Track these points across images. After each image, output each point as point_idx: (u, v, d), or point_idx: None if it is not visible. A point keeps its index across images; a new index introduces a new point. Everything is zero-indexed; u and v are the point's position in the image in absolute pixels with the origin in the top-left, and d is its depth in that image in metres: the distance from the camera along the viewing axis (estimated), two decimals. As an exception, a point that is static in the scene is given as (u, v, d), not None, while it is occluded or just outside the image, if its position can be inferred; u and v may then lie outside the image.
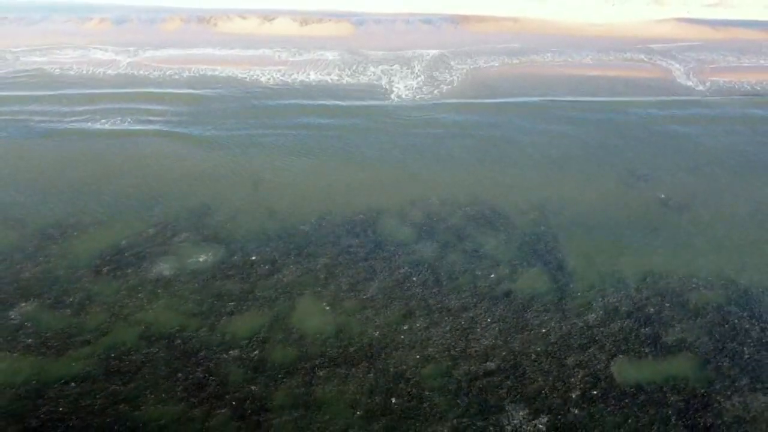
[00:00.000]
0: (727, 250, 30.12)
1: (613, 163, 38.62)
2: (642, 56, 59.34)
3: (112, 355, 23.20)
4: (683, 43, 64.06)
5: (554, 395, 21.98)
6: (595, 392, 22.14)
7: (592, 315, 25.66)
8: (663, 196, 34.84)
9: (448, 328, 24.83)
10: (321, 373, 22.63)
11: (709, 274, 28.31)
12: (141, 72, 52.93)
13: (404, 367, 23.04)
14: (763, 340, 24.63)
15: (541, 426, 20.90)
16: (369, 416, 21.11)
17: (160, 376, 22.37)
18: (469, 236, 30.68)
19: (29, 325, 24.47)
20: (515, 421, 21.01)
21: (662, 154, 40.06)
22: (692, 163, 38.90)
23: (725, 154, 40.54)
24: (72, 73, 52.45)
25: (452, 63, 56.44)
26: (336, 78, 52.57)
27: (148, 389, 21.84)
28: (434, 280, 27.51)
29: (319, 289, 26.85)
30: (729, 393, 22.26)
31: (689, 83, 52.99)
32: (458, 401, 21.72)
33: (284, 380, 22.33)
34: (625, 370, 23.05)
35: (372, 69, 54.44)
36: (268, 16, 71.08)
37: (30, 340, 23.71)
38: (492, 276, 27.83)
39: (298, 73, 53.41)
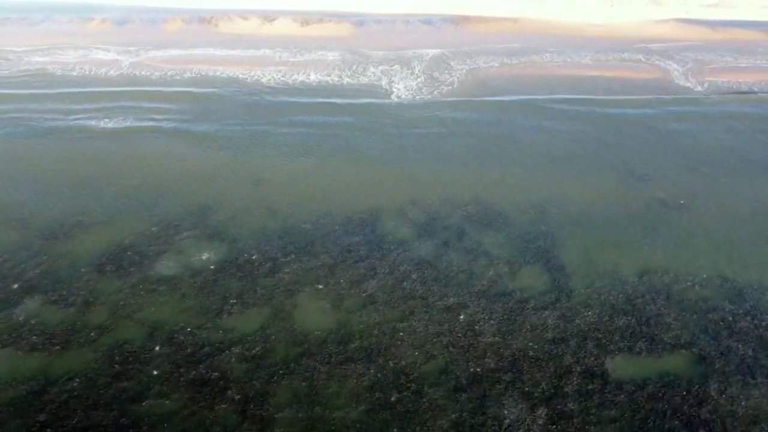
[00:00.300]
0: (725, 248, 30.43)
1: (612, 162, 38.91)
2: (640, 56, 59.63)
3: (116, 351, 23.54)
4: (682, 43, 64.37)
5: (551, 390, 22.31)
6: (591, 387, 22.47)
7: (590, 312, 25.98)
8: (661, 195, 35.14)
9: (447, 325, 25.16)
10: (322, 369, 22.97)
11: (705, 272, 28.63)
12: (143, 72, 53.25)
13: (404, 363, 23.37)
14: (758, 337, 24.95)
15: (538, 420, 21.23)
16: (369, 411, 21.45)
17: (163, 371, 22.71)
18: (468, 235, 31.00)
19: (34, 322, 24.81)
20: (513, 416, 21.35)
21: (661, 153, 40.36)
22: (690, 162, 39.21)
23: (723, 152, 40.85)
24: (74, 73, 52.77)
25: (452, 63, 56.75)
26: (336, 79, 52.88)
27: (152, 384, 22.18)
28: (434, 278, 27.84)
29: (320, 286, 27.19)
30: (724, 388, 22.59)
31: (688, 84, 53.29)
32: (457, 397, 22.05)
33: (285, 376, 22.67)
34: (622, 366, 23.39)
35: (372, 69, 54.75)
36: (268, 17, 71.38)
37: (35, 338, 24.05)
38: (491, 274, 28.15)
39: (298, 73, 53.73)
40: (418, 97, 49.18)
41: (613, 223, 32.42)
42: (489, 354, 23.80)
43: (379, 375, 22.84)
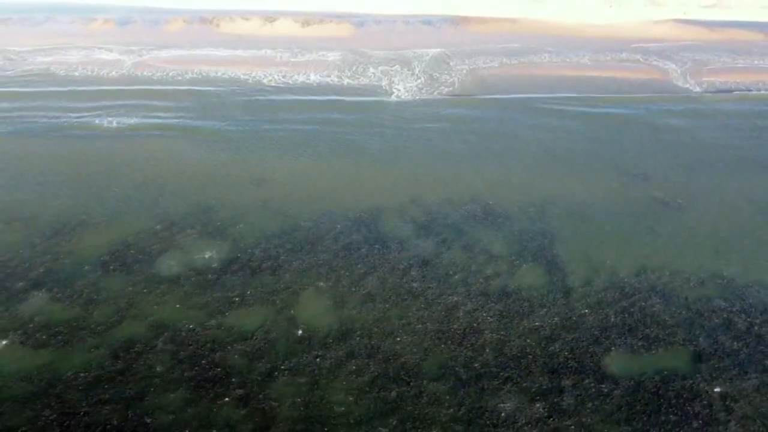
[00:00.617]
0: (722, 246, 30.80)
1: (610, 161, 39.27)
2: (639, 57, 59.98)
3: (120, 347, 23.92)
4: (680, 43, 64.72)
5: (549, 385, 22.68)
6: (588, 382, 22.84)
7: (587, 309, 26.36)
8: (660, 193, 35.50)
9: (446, 322, 25.54)
10: (323, 365, 23.35)
11: (702, 270, 29.00)
12: (145, 72, 53.64)
13: (404, 359, 23.75)
14: (753, 334, 25.32)
15: (535, 413, 21.61)
16: (370, 406, 21.82)
17: (167, 367, 23.09)
18: (467, 233, 31.38)
19: (39, 319, 25.19)
20: (510, 410, 21.72)
21: (659, 152, 40.74)
22: (688, 161, 39.59)
23: (721, 151, 41.23)
24: (77, 73, 53.14)
25: (452, 63, 57.12)
26: (337, 79, 53.26)
27: (156, 380, 22.56)
28: (434, 275, 28.21)
29: (321, 284, 27.57)
30: (718, 383, 22.96)
31: (686, 84, 53.66)
32: (457, 392, 22.42)
33: (287, 371, 23.05)
34: (619, 362, 23.77)
35: (372, 70, 55.12)
36: (269, 17, 71.76)
37: (40, 334, 24.43)
38: (490, 271, 28.53)
39: (299, 73, 54.11)
40: (418, 96, 49.58)
41: (612, 221, 32.79)
42: (488, 350, 24.18)
43: (379, 370, 23.22)
